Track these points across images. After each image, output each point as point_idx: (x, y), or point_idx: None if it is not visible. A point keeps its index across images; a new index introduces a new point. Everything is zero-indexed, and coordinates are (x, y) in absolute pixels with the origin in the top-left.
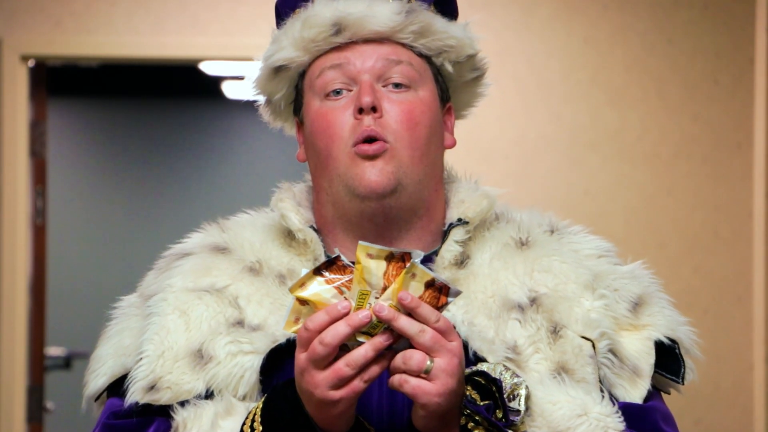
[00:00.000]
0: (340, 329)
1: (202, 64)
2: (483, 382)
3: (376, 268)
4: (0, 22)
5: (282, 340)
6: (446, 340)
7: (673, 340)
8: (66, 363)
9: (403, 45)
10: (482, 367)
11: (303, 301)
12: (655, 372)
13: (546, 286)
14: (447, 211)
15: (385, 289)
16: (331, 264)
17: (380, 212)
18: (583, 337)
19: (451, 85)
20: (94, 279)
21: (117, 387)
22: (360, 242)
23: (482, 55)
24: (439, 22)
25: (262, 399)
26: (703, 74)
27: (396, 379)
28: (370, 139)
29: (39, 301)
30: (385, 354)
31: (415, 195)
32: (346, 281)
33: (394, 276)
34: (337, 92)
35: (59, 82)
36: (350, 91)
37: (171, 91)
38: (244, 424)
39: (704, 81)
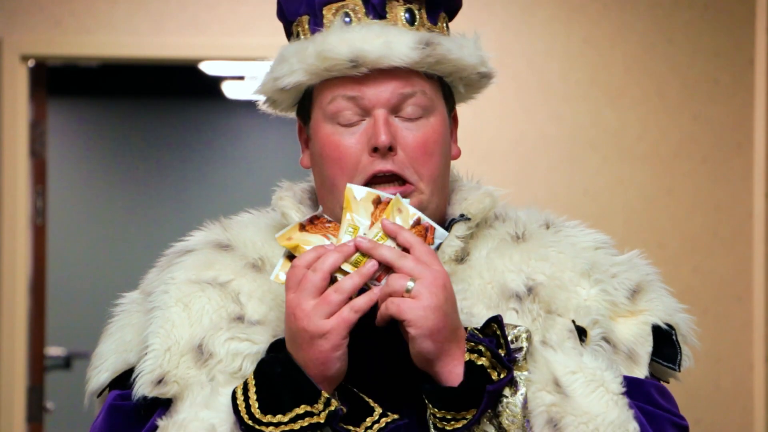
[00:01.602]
0: (330, 257)
1: (202, 64)
2: (487, 324)
3: (364, 208)
4: (0, 22)
5: (282, 335)
6: (428, 264)
7: (670, 326)
8: (66, 363)
9: (416, 72)
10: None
11: (292, 257)
12: (651, 360)
13: (543, 273)
14: (448, 208)
15: (373, 225)
16: (313, 222)
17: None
18: (577, 327)
19: (456, 90)
20: (94, 279)
21: (119, 383)
22: (348, 185)
23: (491, 66)
24: (454, 49)
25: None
26: (703, 74)
27: (382, 306)
28: (387, 175)
29: (39, 301)
30: (373, 289)
31: (427, 215)
32: (332, 230)
33: (380, 216)
34: (349, 120)
35: (59, 82)
36: (363, 119)
37: (171, 91)
38: (238, 386)
39: (704, 81)
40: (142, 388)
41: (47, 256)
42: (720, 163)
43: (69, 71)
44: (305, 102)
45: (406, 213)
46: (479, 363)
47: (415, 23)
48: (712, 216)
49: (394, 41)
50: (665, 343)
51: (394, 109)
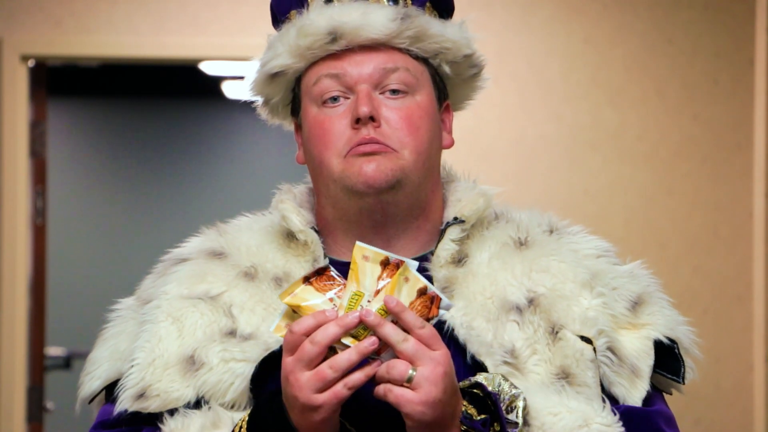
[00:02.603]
0: (330, 329)
1: (202, 64)
2: (480, 395)
3: (371, 270)
4: (0, 22)
5: (275, 347)
6: (430, 350)
7: (672, 340)
8: (66, 363)
9: (399, 49)
10: (479, 378)
11: (295, 309)
12: (655, 372)
13: (544, 286)
14: (444, 211)
15: (378, 293)
16: (320, 274)
17: (379, 208)
18: (582, 337)
19: (448, 83)
20: (94, 279)
21: (112, 391)
22: (357, 243)
23: (479, 52)
24: (434, 24)
25: (249, 410)
26: (703, 74)
27: (381, 388)
28: (369, 143)
29: (39, 301)
30: (371, 362)
31: (413, 195)
32: (337, 291)
33: (387, 279)
34: (335, 99)
35: (59, 82)
36: (347, 98)
37: (171, 91)
38: None
39: (704, 81)
40: (124, 402)
41: (47, 256)
42: (720, 163)
43: (69, 71)
44: (296, 93)
45: (413, 282)
46: None
47: (399, 4)
48: (712, 216)
49: (372, 13)
50: (669, 356)
51: (378, 86)
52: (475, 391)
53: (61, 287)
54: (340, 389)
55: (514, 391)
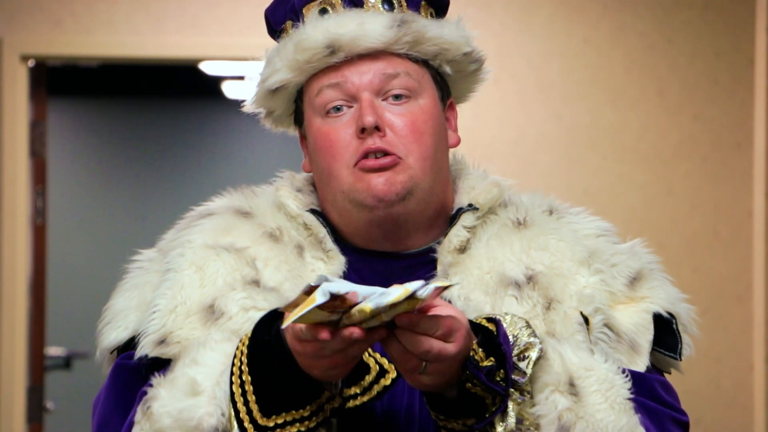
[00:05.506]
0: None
1: (202, 64)
2: (494, 338)
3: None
4: (0, 22)
5: None
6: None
7: (671, 314)
8: (66, 363)
9: (399, 55)
10: (505, 319)
11: (309, 292)
12: (653, 349)
13: (542, 263)
14: (455, 197)
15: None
16: (331, 300)
17: (389, 220)
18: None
19: (450, 80)
20: (94, 279)
21: (130, 343)
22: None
23: (478, 47)
24: (431, 27)
25: (248, 336)
26: (703, 74)
27: (421, 347)
28: (376, 154)
29: (39, 301)
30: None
31: (424, 201)
32: (339, 304)
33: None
34: (338, 109)
35: (59, 82)
36: (351, 107)
37: (171, 91)
38: (233, 363)
39: (704, 81)
40: (145, 348)
41: (47, 256)
42: (720, 163)
43: (69, 71)
44: (298, 104)
45: (413, 302)
46: (473, 391)
47: (394, 10)
48: (712, 216)
49: (368, 23)
50: (666, 333)
51: (380, 92)
52: (488, 326)
53: (61, 287)
54: (351, 360)
55: (531, 339)
